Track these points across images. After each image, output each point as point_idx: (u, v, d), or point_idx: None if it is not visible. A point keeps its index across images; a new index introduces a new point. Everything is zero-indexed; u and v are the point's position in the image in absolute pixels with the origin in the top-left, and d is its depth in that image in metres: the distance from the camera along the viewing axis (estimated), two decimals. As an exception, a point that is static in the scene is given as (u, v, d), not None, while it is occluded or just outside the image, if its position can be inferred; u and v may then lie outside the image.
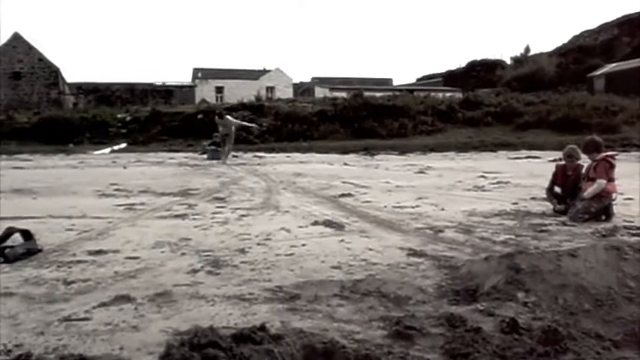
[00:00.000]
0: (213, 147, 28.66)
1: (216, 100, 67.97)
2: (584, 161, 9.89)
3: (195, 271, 5.99)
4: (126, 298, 5.02)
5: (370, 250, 6.98)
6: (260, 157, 28.86)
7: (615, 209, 9.34)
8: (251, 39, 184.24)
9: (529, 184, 13.45)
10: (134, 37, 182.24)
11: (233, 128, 27.58)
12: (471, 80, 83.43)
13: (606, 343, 3.96)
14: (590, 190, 9.18)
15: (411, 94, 54.06)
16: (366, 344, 3.88)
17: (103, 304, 4.87)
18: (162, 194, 12.97)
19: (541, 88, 65.70)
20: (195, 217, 9.74)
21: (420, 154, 29.50)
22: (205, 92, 71.06)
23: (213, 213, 10.13)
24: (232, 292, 5.20)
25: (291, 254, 6.77)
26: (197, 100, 65.96)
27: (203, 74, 75.27)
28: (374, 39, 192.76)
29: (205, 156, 28.61)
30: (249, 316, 4.51)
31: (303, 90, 76.41)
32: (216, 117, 28.43)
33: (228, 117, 28.33)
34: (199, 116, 42.01)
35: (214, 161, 26.02)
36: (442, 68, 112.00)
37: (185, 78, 78.97)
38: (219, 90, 73.24)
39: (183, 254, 6.87)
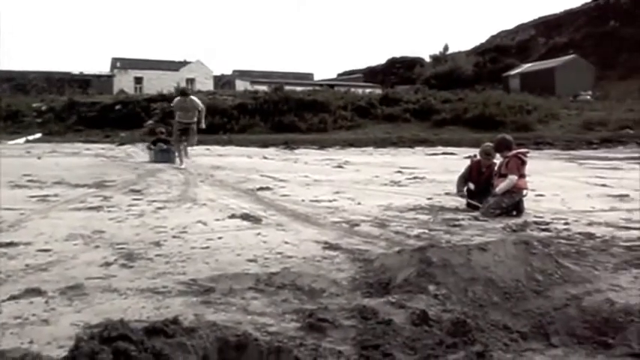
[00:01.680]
0: (161, 145, 21.15)
1: (135, 90, 66.73)
2: (498, 159, 10.14)
3: (108, 264, 5.90)
4: (37, 292, 4.90)
5: (286, 243, 7.00)
6: (179, 149, 28.50)
7: (526, 205, 9.61)
8: (172, 30, 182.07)
9: (444, 180, 13.67)
10: (52, 23, 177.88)
11: (197, 115, 19.23)
12: (391, 77, 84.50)
13: (514, 334, 4.07)
14: (501, 185, 9.42)
15: (332, 90, 54.40)
16: (278, 337, 3.89)
17: (13, 298, 4.75)
18: (77, 186, 12.69)
19: (459, 86, 66.97)
20: (111, 209, 9.58)
21: (339, 149, 29.67)
22: (124, 82, 69.68)
23: (129, 205, 9.98)
24: (146, 285, 5.14)
25: (207, 247, 6.74)
26: (115, 90, 64.62)
27: (122, 64, 73.80)
28: (296, 33, 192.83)
29: (148, 156, 21.40)
30: (163, 310, 4.47)
31: (223, 82, 75.82)
32: (178, 98, 19.79)
33: (194, 98, 19.86)
34: (117, 107, 41.31)
35: (162, 165, 18.99)
36: (362, 64, 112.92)
37: (103, 67, 77.44)
38: (139, 80, 71.95)
39: (97, 247, 6.75)
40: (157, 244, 6.92)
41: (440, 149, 29.07)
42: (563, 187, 12.81)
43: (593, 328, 4.15)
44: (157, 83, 59.64)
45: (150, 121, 38.19)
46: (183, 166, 17.95)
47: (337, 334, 3.96)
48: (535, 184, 11.33)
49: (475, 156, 10.96)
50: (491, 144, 10.31)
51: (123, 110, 40.31)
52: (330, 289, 5.04)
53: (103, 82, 69.66)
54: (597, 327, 4.15)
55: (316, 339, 3.87)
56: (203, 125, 19.27)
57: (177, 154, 19.20)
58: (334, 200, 10.88)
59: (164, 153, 20.37)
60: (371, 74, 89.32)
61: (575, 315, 4.28)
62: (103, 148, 28.52)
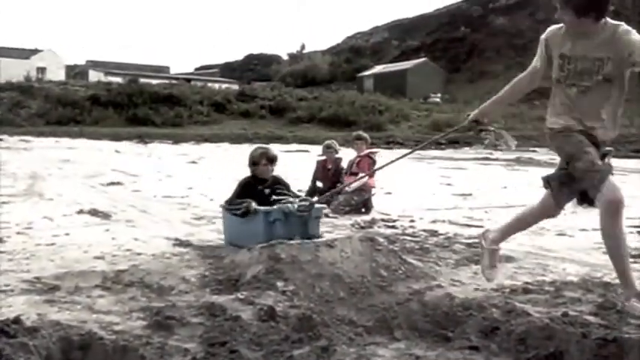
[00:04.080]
0: None
1: (-19, 78, 63.46)
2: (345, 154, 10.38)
3: (-55, 262, 5.62)
4: None
5: (136, 240, 6.89)
6: (27, 141, 27.39)
7: (374, 202, 9.89)
8: (23, 16, 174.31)
9: (295, 178, 13.83)
10: None
11: None
12: (248, 73, 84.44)
13: (359, 329, 4.18)
14: (353, 184, 9.64)
15: (188, 84, 53.82)
16: (124, 335, 3.83)
17: None
18: None
19: (314, 84, 67.85)
20: (-51, 203, 9.11)
21: (194, 144, 29.43)
22: (-30, 69, 66.09)
23: (-31, 200, 9.53)
24: (-14, 283, 4.93)
25: (53, 244, 6.54)
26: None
27: (-33, 51, 69.99)
28: (153, 25, 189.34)
29: None
30: (5, 309, 4.30)
31: (76, 73, 73.39)
32: None
33: None
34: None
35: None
36: (220, 59, 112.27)
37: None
38: (-14, 67, 68.45)
39: None
40: (0, 240, 6.65)
41: (294, 146, 29.34)
42: (411, 186, 13.25)
43: (433, 322, 4.32)
44: (6, 71, 56.88)
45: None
46: None
47: (184, 331, 3.95)
48: (384, 182, 11.66)
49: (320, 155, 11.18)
50: (331, 140, 10.66)
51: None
52: (179, 286, 5.00)
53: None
54: (438, 321, 4.33)
55: (163, 337, 3.84)
56: None
57: None
58: (186, 196, 10.81)
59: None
60: (228, 70, 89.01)
61: (417, 309, 4.44)
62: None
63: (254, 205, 6.43)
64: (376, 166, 7.06)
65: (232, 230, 6.80)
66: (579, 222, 9.16)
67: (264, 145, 7.70)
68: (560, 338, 3.94)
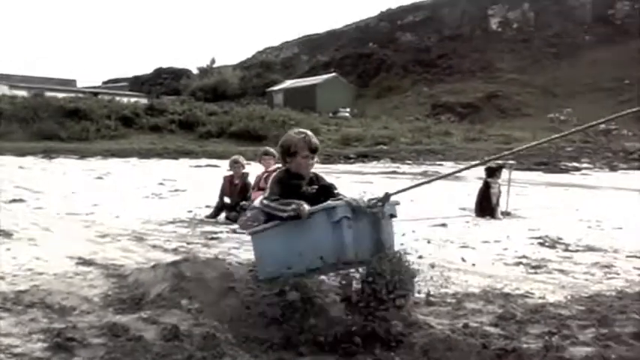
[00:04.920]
0: None
1: None
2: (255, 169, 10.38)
3: None
4: None
5: (38, 259, 6.72)
6: None
7: (283, 218, 9.90)
8: None
9: (206, 193, 13.76)
10: None
11: None
12: (157, 87, 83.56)
13: (264, 345, 4.20)
14: (260, 198, 9.62)
15: (95, 97, 52.75)
16: (24, 358, 3.76)
17: None
18: None
19: (225, 99, 67.65)
20: None
21: (101, 159, 28.80)
22: None
23: None
24: None
25: (-52, 266, 6.31)
26: None
27: None
28: (59, 37, 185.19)
29: None
30: None
31: (-22, 86, 70.93)
32: None
33: None
34: None
35: None
36: (129, 73, 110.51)
37: None
38: None
39: None
40: None
41: (204, 161, 29.13)
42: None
43: (336, 339, 4.36)
44: None
45: None
46: None
47: (85, 352, 3.88)
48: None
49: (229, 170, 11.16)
50: (237, 155, 10.70)
51: None
52: (82, 306, 4.91)
53: None
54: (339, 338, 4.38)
55: (63, 359, 3.77)
56: None
57: None
58: (92, 213, 10.59)
59: None
60: (137, 83, 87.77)
61: (320, 325, 4.47)
62: None
63: (306, 206, 4.55)
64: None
65: (277, 250, 4.77)
66: (481, 234, 9.43)
67: (302, 130, 5.23)
68: (462, 349, 4.06)
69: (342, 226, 4.35)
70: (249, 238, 8.45)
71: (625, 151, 35.19)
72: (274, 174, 5.18)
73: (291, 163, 5.01)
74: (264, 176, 9.94)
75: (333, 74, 72.40)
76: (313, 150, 5.02)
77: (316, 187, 5.00)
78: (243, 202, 9.99)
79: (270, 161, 10.07)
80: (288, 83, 74.23)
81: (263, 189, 9.73)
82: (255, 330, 4.40)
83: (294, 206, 4.56)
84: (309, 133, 5.10)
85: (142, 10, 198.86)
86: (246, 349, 4.09)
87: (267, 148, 10.73)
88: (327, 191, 4.95)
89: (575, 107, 53.12)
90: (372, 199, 4.67)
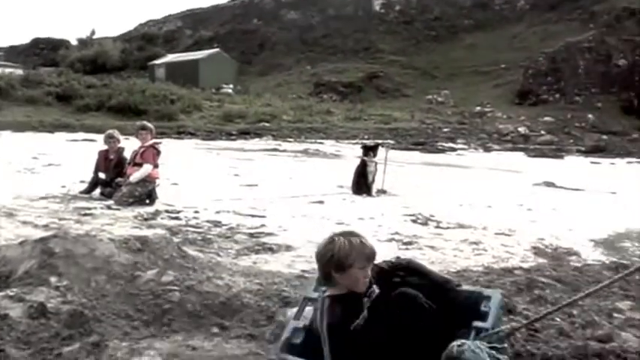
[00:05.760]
0: None
1: None
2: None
3: None
4: None
5: None
6: None
7: (159, 194, 9.77)
8: None
9: (81, 168, 13.41)
10: None
11: None
12: (34, 57, 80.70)
13: (135, 322, 4.16)
14: (136, 174, 9.47)
15: (-34, 67, 50.37)
16: None
17: None
18: None
19: (104, 71, 65.94)
20: None
21: (-29, 133, 27.57)
22: None
23: None
24: None
25: None
26: None
27: None
28: None
29: None
30: None
31: None
32: None
33: None
34: None
35: None
36: (4, 43, 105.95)
37: None
38: None
39: None
40: None
41: (81, 135, 28.34)
42: (198, 177, 13.24)
43: (212, 312, 4.38)
44: None
45: None
46: None
47: (-53, 331, 3.75)
48: (171, 173, 11.58)
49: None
50: (113, 130, 10.49)
51: None
52: (-56, 284, 4.72)
53: None
54: (216, 311, 4.40)
55: None
56: None
57: None
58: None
59: None
60: (13, 53, 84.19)
61: (195, 300, 4.47)
62: None
63: None
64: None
65: None
66: (357, 211, 9.63)
67: (350, 231, 3.55)
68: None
69: None
70: (123, 214, 8.37)
71: (499, 132, 36.61)
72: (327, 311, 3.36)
73: (341, 280, 3.39)
74: (141, 151, 9.76)
75: (217, 50, 71.60)
76: (370, 258, 3.43)
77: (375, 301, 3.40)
78: (119, 179, 9.78)
79: (147, 136, 9.89)
80: (171, 57, 72.93)
81: (139, 164, 9.63)
82: (126, 307, 4.35)
83: None
84: (362, 238, 3.43)
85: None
86: (117, 327, 4.05)
87: (144, 122, 10.54)
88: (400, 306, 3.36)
89: (453, 89, 54.72)
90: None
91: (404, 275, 3.67)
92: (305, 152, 24.56)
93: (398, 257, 3.93)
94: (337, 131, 36.69)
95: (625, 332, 4.18)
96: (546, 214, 10.31)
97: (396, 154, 18.22)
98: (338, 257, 3.30)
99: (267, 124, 38.99)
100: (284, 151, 25.61)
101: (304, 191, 11.45)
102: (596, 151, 30.72)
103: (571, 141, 35.93)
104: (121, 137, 10.52)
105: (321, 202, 10.49)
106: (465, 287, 3.79)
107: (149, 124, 10.22)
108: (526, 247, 7.46)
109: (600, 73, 48.92)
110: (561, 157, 28.49)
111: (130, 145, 10.52)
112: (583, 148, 32.00)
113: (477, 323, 3.28)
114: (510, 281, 5.45)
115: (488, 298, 3.46)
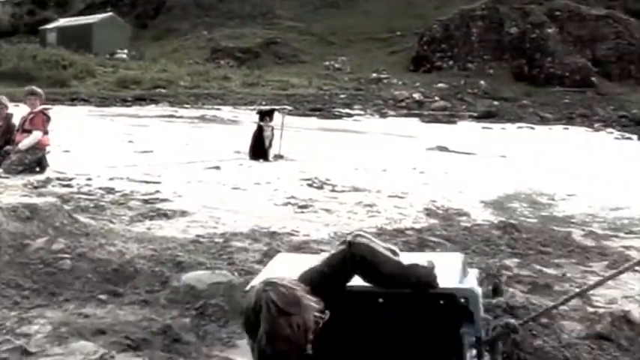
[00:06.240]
0: None
1: None
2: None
3: None
4: None
5: None
6: None
7: (50, 161, 9.52)
8: None
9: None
10: None
11: None
12: None
13: (25, 292, 4.10)
14: (25, 141, 9.18)
15: None
16: None
17: None
18: None
19: (-6, 36, 63.46)
20: None
21: None
22: None
23: None
24: None
25: None
26: None
27: None
28: None
29: None
30: None
31: None
32: None
33: None
34: None
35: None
36: None
37: None
38: None
39: None
40: None
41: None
42: (91, 143, 12.93)
43: (104, 279, 4.36)
44: None
45: None
46: None
47: None
48: (63, 140, 11.29)
49: None
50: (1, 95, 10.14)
51: None
52: None
53: None
54: (109, 278, 4.37)
55: None
56: None
57: None
58: None
59: None
60: None
61: (86, 267, 4.44)
62: None
63: None
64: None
65: None
66: (253, 176, 9.67)
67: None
68: (226, 287, 4.20)
69: None
70: (13, 182, 8.13)
71: (394, 99, 37.09)
72: None
73: None
74: (30, 117, 9.46)
75: (110, 14, 69.65)
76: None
77: None
78: (8, 147, 9.45)
79: (36, 102, 9.58)
80: (62, 22, 70.49)
81: (28, 131, 9.33)
82: (15, 276, 4.28)
83: None
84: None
85: None
86: (6, 296, 3.98)
87: (33, 87, 10.20)
88: None
89: (350, 56, 55.07)
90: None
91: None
92: (202, 118, 24.31)
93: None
94: (234, 97, 36.39)
95: (512, 288, 4.39)
96: (439, 178, 10.61)
97: (293, 120, 18.32)
98: None
99: (163, 90, 38.31)
100: (180, 117, 25.25)
101: (200, 157, 11.39)
102: (488, 116, 31.39)
103: (464, 107, 36.65)
104: (10, 104, 10.13)
105: (217, 167, 10.47)
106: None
107: (38, 90, 9.91)
108: (418, 208, 7.68)
109: (493, 41, 50.08)
110: (454, 122, 29.08)
111: (20, 113, 10.16)
112: (475, 114, 32.68)
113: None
114: (402, 241, 5.62)
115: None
